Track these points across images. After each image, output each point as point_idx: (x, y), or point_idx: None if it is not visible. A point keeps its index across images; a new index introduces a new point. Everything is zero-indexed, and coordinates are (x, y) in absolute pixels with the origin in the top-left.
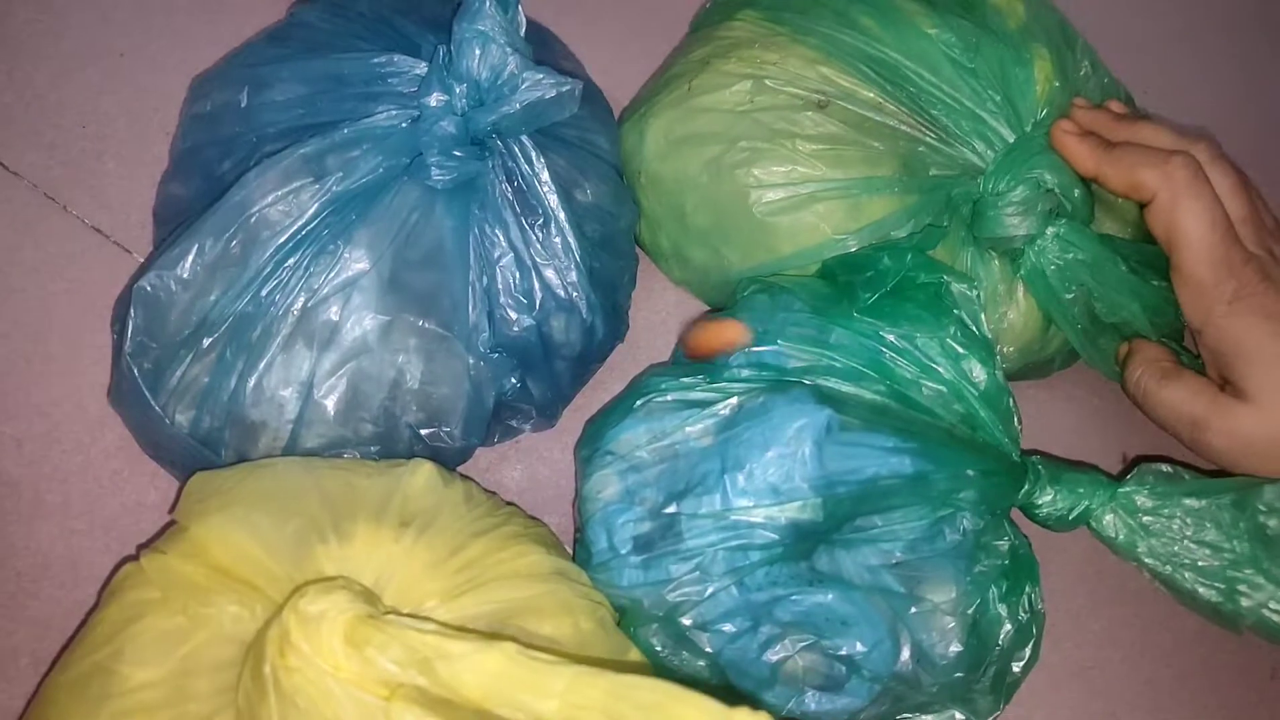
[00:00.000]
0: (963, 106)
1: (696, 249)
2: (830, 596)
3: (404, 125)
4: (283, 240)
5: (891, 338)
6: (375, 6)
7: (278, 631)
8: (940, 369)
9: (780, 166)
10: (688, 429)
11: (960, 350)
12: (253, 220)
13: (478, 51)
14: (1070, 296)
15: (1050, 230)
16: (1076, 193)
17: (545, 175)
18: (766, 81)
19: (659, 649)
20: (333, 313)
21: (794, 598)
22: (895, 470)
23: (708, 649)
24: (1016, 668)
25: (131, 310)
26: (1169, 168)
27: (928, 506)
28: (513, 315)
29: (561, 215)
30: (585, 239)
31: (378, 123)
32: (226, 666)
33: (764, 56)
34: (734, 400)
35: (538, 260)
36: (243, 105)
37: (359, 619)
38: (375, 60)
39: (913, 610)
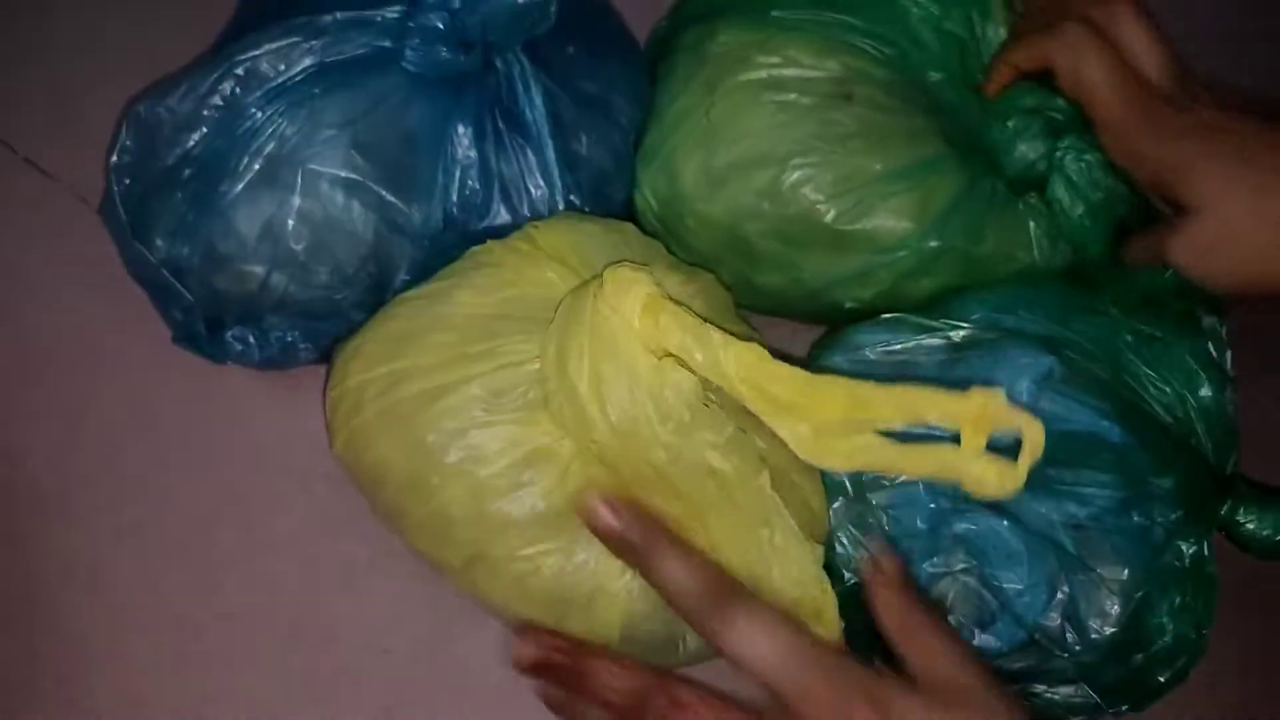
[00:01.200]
0: (949, 65)
1: (768, 275)
2: (1005, 525)
3: (398, 13)
4: (268, 88)
5: (1131, 337)
6: None
7: (596, 284)
8: (1172, 377)
9: (839, 174)
10: (921, 342)
11: (1195, 368)
12: (243, 68)
13: None
14: (1100, 196)
15: (1063, 148)
16: (1060, 102)
17: (535, 102)
18: (786, 89)
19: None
20: (301, 161)
21: (971, 515)
22: (1102, 433)
23: (884, 529)
24: (1162, 678)
25: (124, 129)
26: (1064, 33)
27: (1123, 480)
28: (458, 215)
29: (546, 144)
30: (572, 180)
31: (380, 11)
32: (537, 311)
33: (766, 61)
34: (969, 330)
35: (506, 174)
36: None
37: (656, 296)
38: None
39: (1079, 576)
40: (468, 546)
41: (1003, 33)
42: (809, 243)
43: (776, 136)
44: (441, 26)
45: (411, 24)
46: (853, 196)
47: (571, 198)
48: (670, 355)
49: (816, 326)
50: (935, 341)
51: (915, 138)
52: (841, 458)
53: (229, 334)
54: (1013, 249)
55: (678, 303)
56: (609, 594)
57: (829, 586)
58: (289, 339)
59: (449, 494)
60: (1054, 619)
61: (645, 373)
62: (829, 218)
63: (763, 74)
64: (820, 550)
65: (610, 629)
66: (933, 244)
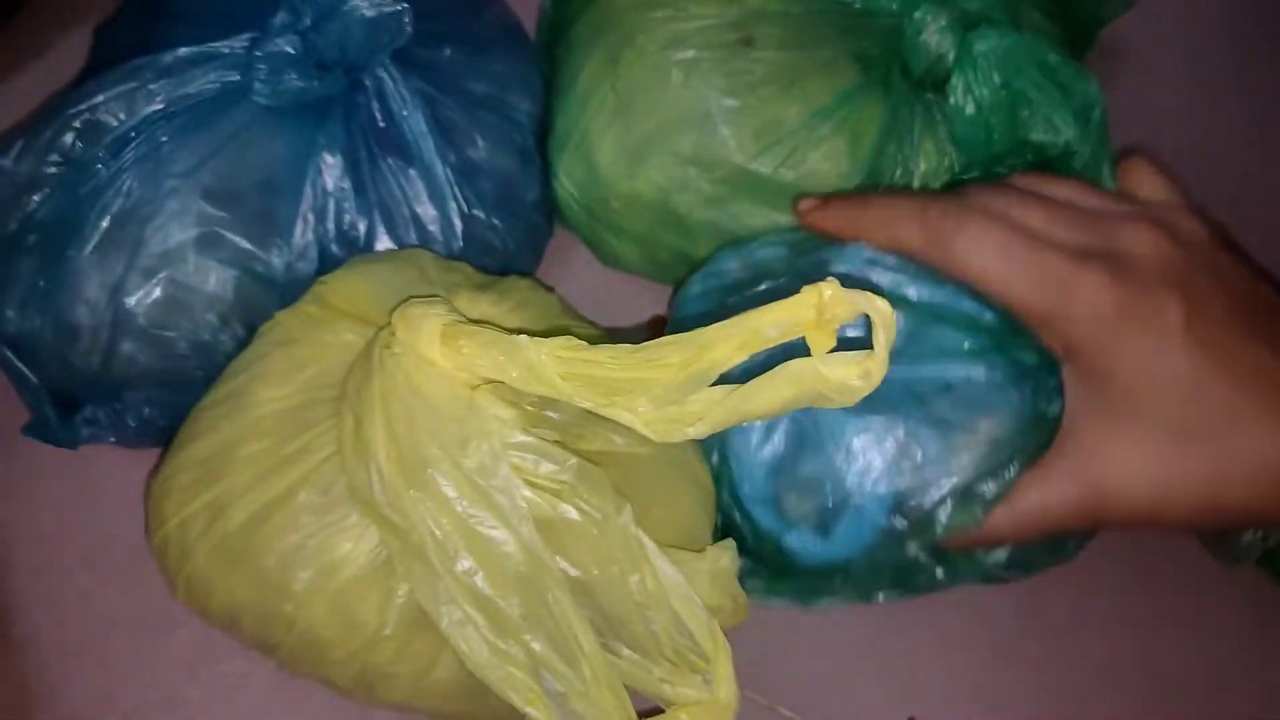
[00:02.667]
0: None
1: (707, 246)
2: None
3: (244, 44)
4: (111, 139)
5: None
6: None
7: (386, 331)
8: None
9: (760, 124)
10: (774, 251)
11: None
12: (82, 119)
13: None
14: (991, 107)
15: (974, 40)
16: None
17: (414, 115)
18: (687, 44)
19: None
20: (147, 218)
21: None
22: (955, 305)
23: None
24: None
25: None
26: (926, 214)
27: (988, 345)
28: (336, 251)
29: (432, 159)
30: (472, 193)
31: (227, 43)
32: (340, 384)
33: (659, 16)
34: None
35: (387, 200)
36: (141, 24)
37: (454, 323)
38: None
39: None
40: (351, 664)
41: None
42: (744, 206)
43: (687, 99)
44: (292, 51)
45: (259, 53)
46: (782, 147)
47: (474, 211)
48: (487, 382)
49: None
50: (778, 250)
51: (828, 69)
52: (694, 424)
53: (81, 415)
54: (940, 165)
55: (483, 324)
56: None
57: (719, 633)
58: (146, 414)
59: (309, 617)
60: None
61: (451, 411)
62: (763, 172)
63: (659, 32)
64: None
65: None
66: (872, 182)
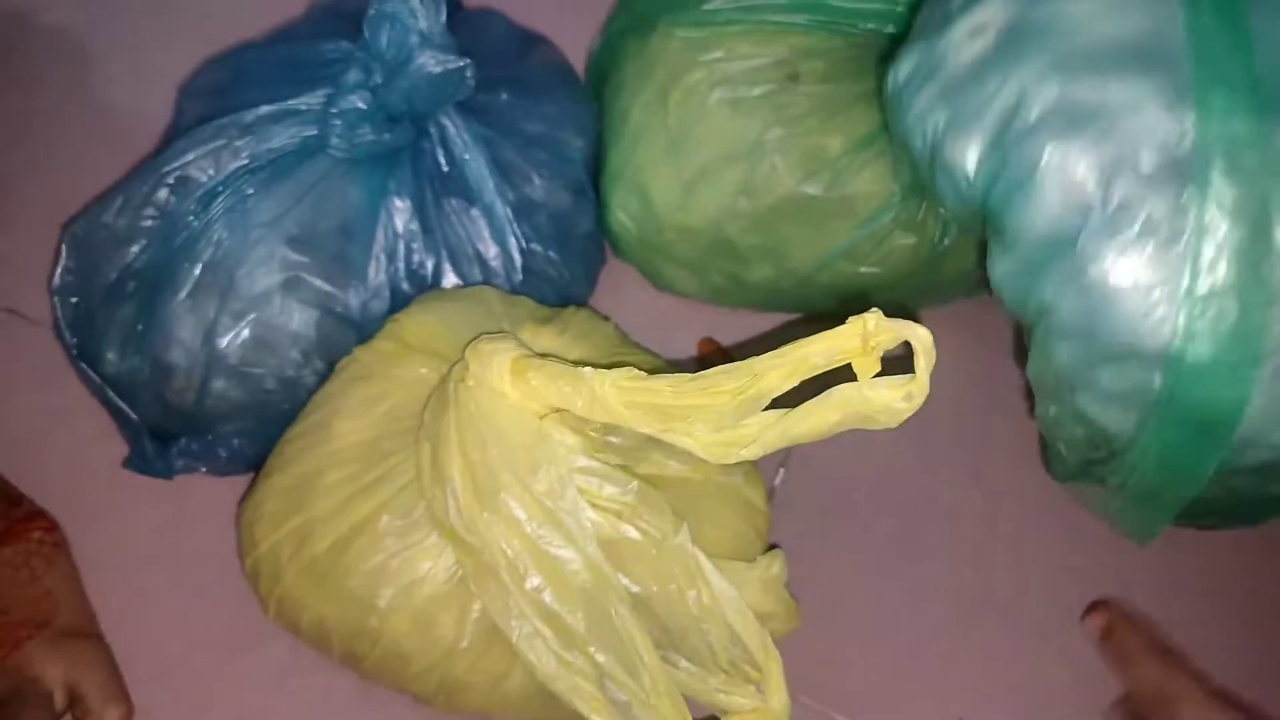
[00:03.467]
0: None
1: (759, 269)
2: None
3: (320, 101)
4: (201, 193)
5: None
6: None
7: (460, 367)
8: None
9: (804, 153)
10: None
11: None
12: (174, 176)
13: (385, 31)
14: None
15: None
16: None
17: (476, 158)
18: (735, 83)
19: None
20: (235, 265)
21: None
22: None
23: None
24: None
25: (63, 251)
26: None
27: None
28: (407, 289)
29: (493, 199)
30: (530, 228)
31: (304, 99)
32: (416, 415)
33: (709, 59)
34: None
35: (452, 240)
36: (222, 83)
37: (522, 357)
38: (325, 46)
39: None
40: (430, 675)
41: None
42: (791, 229)
43: (737, 132)
44: (364, 107)
45: (334, 109)
46: (826, 173)
47: (533, 246)
48: (554, 411)
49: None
50: None
51: (869, 99)
52: (747, 445)
53: (176, 448)
54: None
55: (548, 357)
56: None
57: (770, 645)
58: (236, 445)
59: (393, 631)
60: None
61: (521, 438)
62: (811, 193)
63: (708, 73)
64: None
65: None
66: (912, 201)
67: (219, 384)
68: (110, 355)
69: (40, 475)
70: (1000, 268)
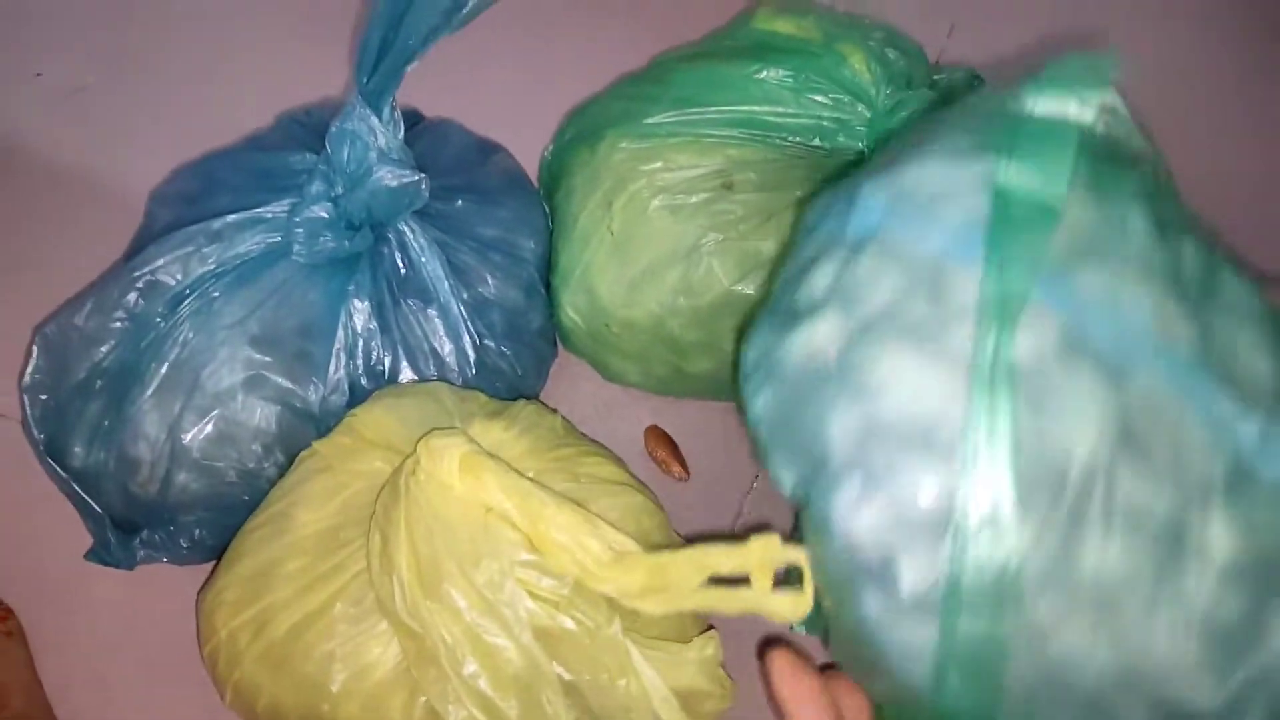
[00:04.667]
0: (821, 116)
1: (698, 360)
2: None
3: (284, 210)
4: (169, 296)
5: None
6: (324, 117)
7: (411, 460)
8: None
9: (738, 256)
10: None
11: None
12: (144, 281)
13: (346, 147)
14: None
15: None
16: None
17: (432, 261)
18: (673, 191)
19: None
20: (200, 364)
21: None
22: None
23: None
24: None
25: (35, 352)
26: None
27: None
28: (366, 385)
29: (448, 299)
30: (484, 325)
31: (269, 208)
32: (371, 505)
33: (650, 169)
34: None
35: (409, 337)
36: (192, 191)
37: (472, 453)
38: (290, 157)
39: None
40: None
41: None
42: (728, 325)
43: (675, 236)
44: (326, 216)
45: (298, 218)
46: (759, 274)
47: (486, 342)
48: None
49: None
50: None
51: (798, 208)
52: (665, 604)
53: (138, 538)
54: None
55: (495, 457)
56: None
57: None
58: (197, 535)
59: (345, 716)
60: None
61: (466, 531)
62: (746, 293)
63: (649, 182)
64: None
65: None
66: None
67: (182, 477)
68: (78, 449)
69: (3, 565)
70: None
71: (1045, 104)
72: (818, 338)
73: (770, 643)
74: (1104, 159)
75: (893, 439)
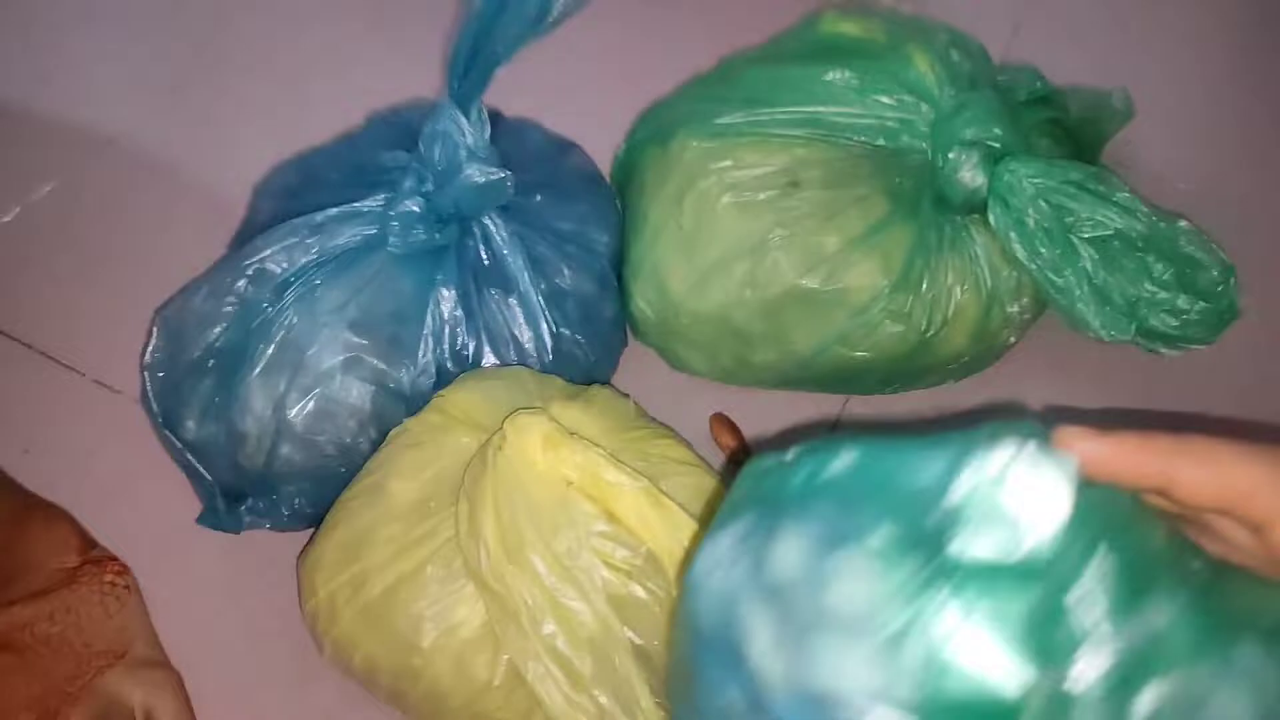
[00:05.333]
0: (885, 117)
1: (763, 351)
2: None
3: (379, 204)
4: (275, 283)
5: None
6: (411, 117)
7: (498, 436)
8: None
9: (804, 251)
10: None
11: None
12: (253, 269)
13: (438, 146)
14: (1037, 221)
15: (1004, 172)
16: (998, 130)
17: (513, 253)
18: (742, 189)
19: None
20: (304, 346)
21: None
22: None
23: None
24: None
25: (155, 332)
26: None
27: None
28: (451, 368)
29: (528, 289)
30: (560, 314)
31: (366, 203)
32: (459, 478)
33: (719, 167)
34: None
35: (491, 325)
36: (293, 186)
37: (553, 431)
38: (383, 155)
39: None
40: (466, 711)
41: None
42: (792, 317)
43: (743, 231)
44: (418, 210)
45: (392, 212)
46: (823, 268)
47: (562, 330)
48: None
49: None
50: None
51: (862, 203)
52: None
53: (244, 507)
54: (966, 276)
55: (575, 435)
56: None
57: None
58: (297, 504)
59: (435, 670)
60: None
61: (547, 503)
62: (810, 286)
63: (719, 179)
64: None
65: None
66: (900, 294)
67: (285, 449)
68: (190, 423)
69: (120, 528)
70: None
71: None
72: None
73: None
74: None
75: None
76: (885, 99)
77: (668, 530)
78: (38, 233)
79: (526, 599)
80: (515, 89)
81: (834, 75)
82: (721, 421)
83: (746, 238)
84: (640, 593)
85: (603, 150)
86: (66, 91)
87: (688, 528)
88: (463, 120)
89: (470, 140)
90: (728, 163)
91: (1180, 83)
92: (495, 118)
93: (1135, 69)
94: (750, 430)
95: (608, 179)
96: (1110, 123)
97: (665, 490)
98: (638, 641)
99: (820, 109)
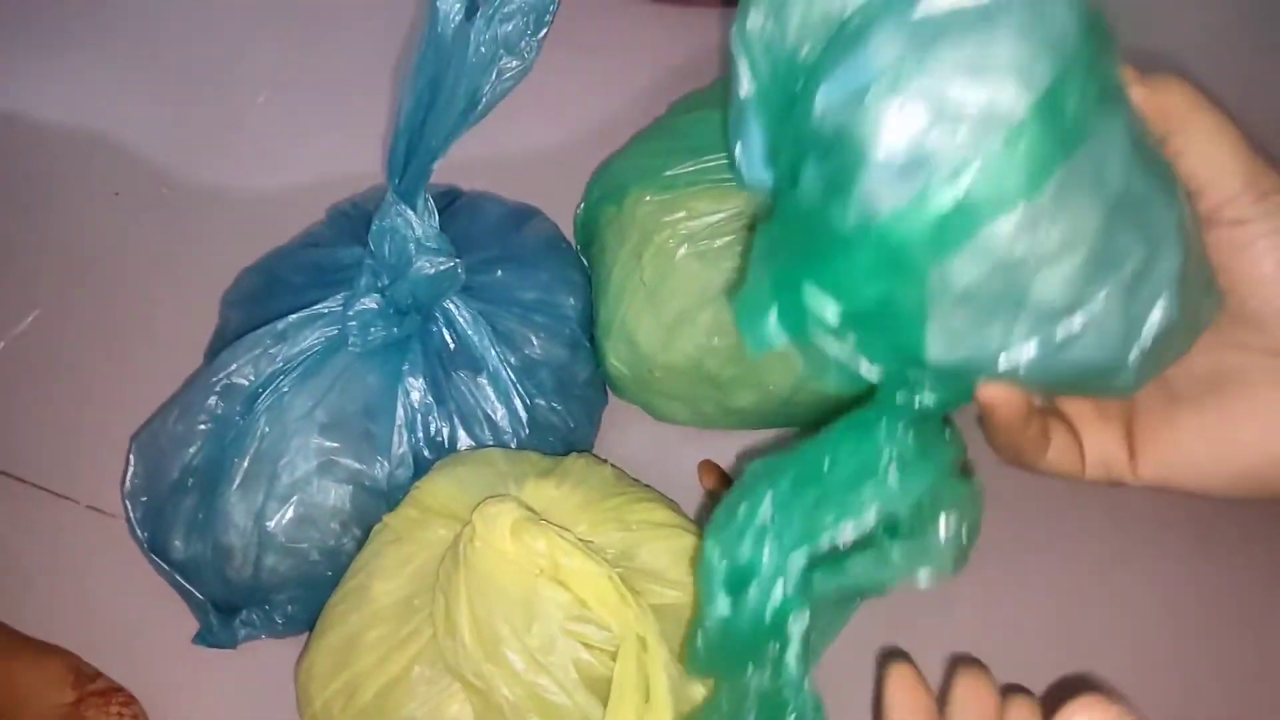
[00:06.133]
0: None
1: (740, 395)
2: None
3: (339, 305)
4: (243, 398)
5: None
6: (368, 207)
7: (469, 528)
8: None
9: None
10: None
11: None
12: (221, 385)
13: (386, 242)
14: None
15: None
16: None
17: (478, 332)
18: (697, 239)
19: None
20: (277, 455)
21: None
22: None
23: None
24: None
25: (131, 459)
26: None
27: None
28: (428, 455)
29: (496, 366)
30: (533, 385)
31: (325, 304)
32: (438, 572)
33: (673, 219)
34: None
35: (464, 407)
36: (257, 291)
37: (522, 519)
38: (341, 252)
39: None
40: None
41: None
42: (764, 359)
43: (704, 280)
44: (375, 306)
45: (350, 311)
46: None
47: (536, 400)
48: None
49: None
50: None
51: None
52: None
53: (238, 620)
54: None
55: (545, 521)
56: None
57: None
58: (290, 610)
59: None
60: None
61: (519, 594)
62: None
63: (673, 231)
64: None
65: None
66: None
67: (270, 559)
68: (177, 543)
69: (124, 655)
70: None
71: None
72: None
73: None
74: None
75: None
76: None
77: (632, 616)
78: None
79: (508, 694)
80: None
81: None
82: (710, 467)
83: (708, 286)
84: None
85: (567, 209)
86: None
87: (646, 618)
88: (409, 213)
89: (418, 232)
90: (681, 214)
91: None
92: (453, 196)
93: None
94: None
95: (571, 240)
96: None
97: (645, 556)
98: None
99: None
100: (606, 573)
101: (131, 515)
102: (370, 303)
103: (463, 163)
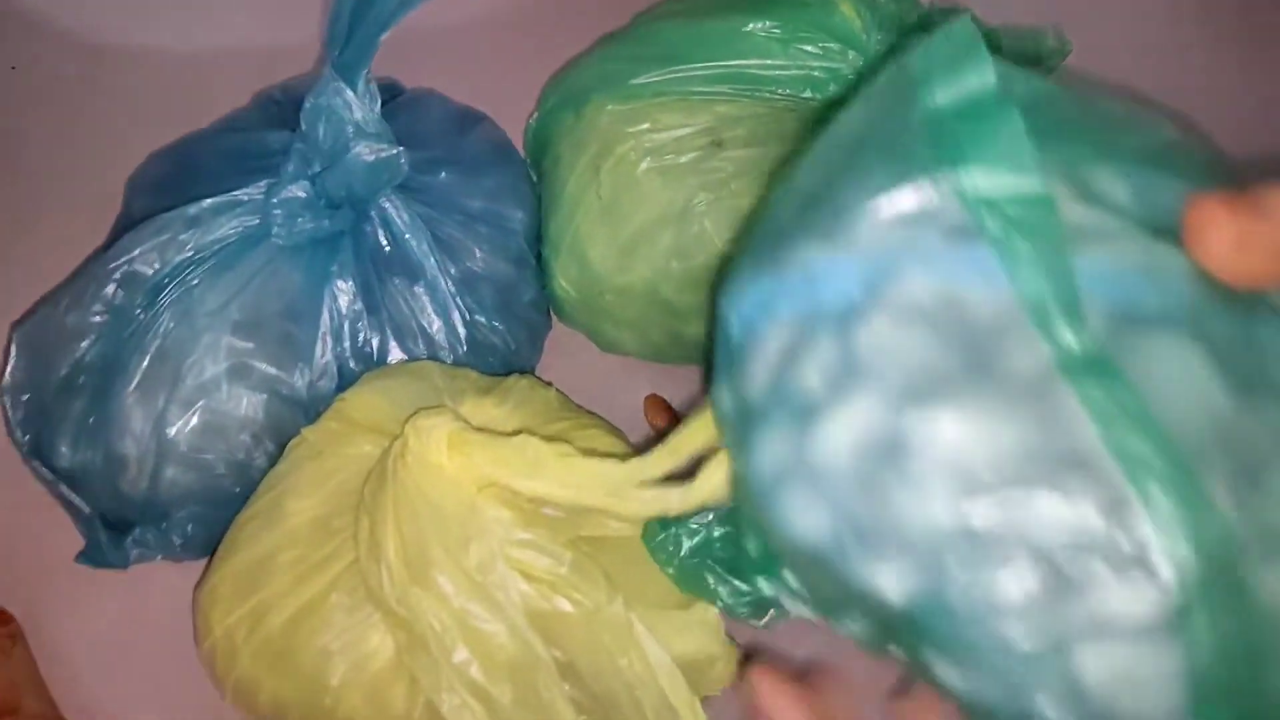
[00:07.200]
0: (811, 67)
1: (694, 324)
2: None
3: (262, 192)
4: (146, 289)
5: None
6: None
7: (399, 442)
8: None
9: (731, 215)
10: None
11: None
12: (121, 272)
13: (321, 124)
14: None
15: None
16: None
17: (417, 237)
18: (662, 153)
19: None
20: (182, 355)
21: None
22: None
23: None
24: None
25: (12, 350)
26: None
27: None
28: (354, 367)
29: (435, 275)
30: (473, 300)
31: (246, 191)
32: (361, 491)
33: (637, 130)
34: None
35: (397, 317)
36: (168, 177)
37: (460, 430)
38: (267, 136)
39: None
40: None
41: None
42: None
43: (666, 198)
44: (304, 195)
45: (275, 199)
46: None
47: (476, 317)
48: (492, 485)
49: None
50: None
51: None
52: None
53: (130, 538)
54: None
55: (487, 430)
56: None
57: (699, 711)
58: (190, 530)
59: (346, 708)
60: None
61: (455, 513)
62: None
63: (636, 143)
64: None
65: None
66: None
67: (170, 471)
68: (63, 449)
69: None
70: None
71: (947, 93)
72: (856, 425)
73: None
74: (1046, 124)
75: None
76: (810, 48)
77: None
78: None
79: (434, 624)
80: (417, 60)
81: (755, 26)
82: (656, 403)
83: (670, 205)
84: (566, 606)
85: (515, 120)
86: None
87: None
88: (348, 93)
89: (358, 115)
90: (645, 125)
91: (1116, 18)
92: (394, 90)
93: (1070, 7)
94: (686, 409)
95: (521, 151)
96: (1046, 59)
97: None
98: (563, 659)
99: (741, 63)
100: (564, 449)
101: (10, 415)
102: (298, 190)
103: (405, 60)
